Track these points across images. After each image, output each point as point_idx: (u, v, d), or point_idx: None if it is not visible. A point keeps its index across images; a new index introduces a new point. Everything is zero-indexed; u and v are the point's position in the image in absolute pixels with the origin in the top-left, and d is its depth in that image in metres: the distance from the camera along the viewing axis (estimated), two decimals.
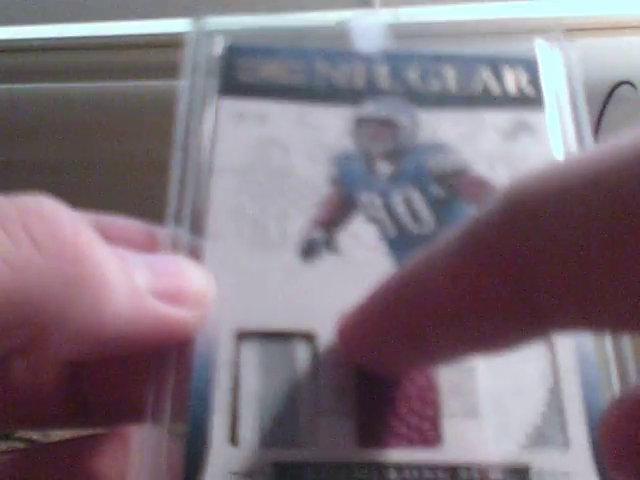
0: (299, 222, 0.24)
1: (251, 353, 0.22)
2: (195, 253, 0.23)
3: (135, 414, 0.22)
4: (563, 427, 0.21)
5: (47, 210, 0.18)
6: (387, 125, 0.27)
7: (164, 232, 0.23)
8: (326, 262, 0.24)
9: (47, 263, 0.17)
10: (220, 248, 0.24)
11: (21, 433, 0.74)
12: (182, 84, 0.27)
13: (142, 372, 0.21)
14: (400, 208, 0.25)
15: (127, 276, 0.20)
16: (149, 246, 0.23)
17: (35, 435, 0.73)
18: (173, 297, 0.20)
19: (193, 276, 0.22)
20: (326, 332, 0.22)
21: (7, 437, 0.72)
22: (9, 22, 0.66)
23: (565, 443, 0.21)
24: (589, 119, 0.26)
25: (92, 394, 0.23)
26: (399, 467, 0.20)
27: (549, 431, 0.21)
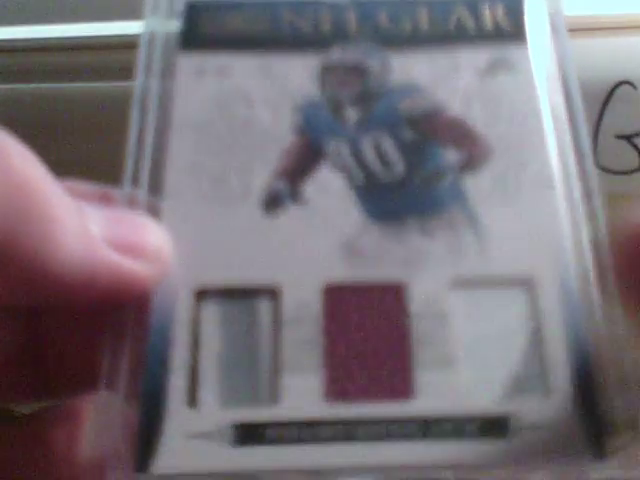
0: (262, 175, 0.23)
1: (211, 311, 0.21)
2: (153, 212, 0.22)
3: (95, 381, 0.21)
4: (544, 374, 0.19)
5: None
6: (355, 70, 0.25)
7: (121, 193, 0.22)
8: (290, 214, 0.22)
9: None
10: (178, 205, 0.22)
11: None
12: (141, 38, 0.26)
13: (101, 337, 0.20)
14: (369, 155, 0.23)
15: (80, 218, 0.18)
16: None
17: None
18: (129, 249, 0.19)
19: (151, 231, 0.20)
20: (291, 286, 0.21)
21: None
22: (9, 22, 0.66)
23: (546, 392, 0.19)
24: (588, 118, 0.24)
25: (51, 363, 0.22)
26: (368, 422, 0.19)
27: (530, 379, 0.19)
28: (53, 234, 0.17)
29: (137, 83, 0.25)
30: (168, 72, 0.25)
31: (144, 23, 0.25)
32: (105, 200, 0.22)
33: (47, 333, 0.22)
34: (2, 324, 0.22)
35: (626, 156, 0.36)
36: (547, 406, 0.19)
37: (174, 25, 0.26)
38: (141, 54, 0.25)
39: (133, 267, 0.19)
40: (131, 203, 0.22)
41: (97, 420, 0.19)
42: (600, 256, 0.21)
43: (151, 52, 0.25)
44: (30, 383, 0.22)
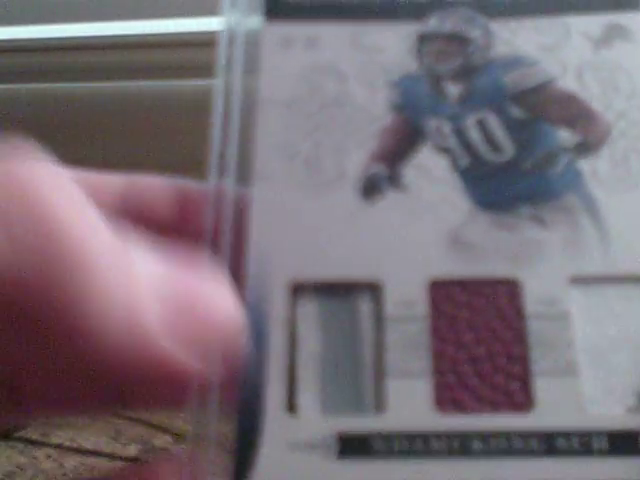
0: (358, 157, 0.21)
1: (309, 308, 0.19)
2: (242, 205, 0.20)
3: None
4: None
5: (16, 176, 0.14)
6: (455, 40, 0.23)
7: (202, 187, 0.21)
8: (390, 200, 0.20)
9: (11, 240, 0.13)
10: (270, 191, 0.21)
11: (21, 433, 0.74)
12: (223, 9, 0.24)
13: None
14: (473, 134, 0.21)
15: (126, 270, 0.15)
16: (181, 211, 0.20)
17: (35, 435, 0.74)
18: (188, 333, 0.15)
19: (221, 302, 0.16)
20: (393, 281, 0.19)
21: (7, 437, 0.73)
22: (9, 22, 0.65)
23: None
24: None
25: None
26: (484, 436, 0.17)
27: None
28: (91, 293, 0.14)
29: (219, 51, 0.23)
30: (252, 42, 0.23)
31: (223, 19, 0.23)
32: (181, 203, 0.20)
33: None
34: None
35: None
36: None
37: (253, 21, 0.24)
38: (223, 21, 0.23)
39: (188, 361, 0.15)
40: (217, 196, 0.20)
41: (191, 430, 0.18)
42: None
43: (233, 22, 0.23)
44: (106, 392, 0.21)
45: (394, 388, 0.18)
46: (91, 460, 0.72)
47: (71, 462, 0.73)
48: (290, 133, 0.22)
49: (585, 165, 0.21)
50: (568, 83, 0.22)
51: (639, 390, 0.18)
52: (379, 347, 0.19)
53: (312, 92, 0.22)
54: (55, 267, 0.14)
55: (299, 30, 0.23)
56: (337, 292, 0.19)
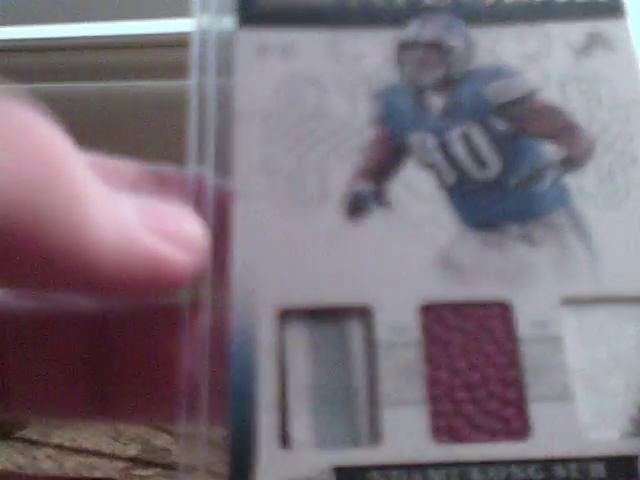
0: (341, 173, 0.21)
1: (298, 335, 0.19)
2: (223, 197, 0.20)
3: (163, 408, 0.19)
4: None
5: (16, 111, 0.16)
6: (436, 49, 0.22)
7: (179, 174, 0.20)
8: (377, 219, 0.20)
9: (12, 162, 0.15)
10: (252, 210, 0.20)
11: (21, 433, 0.73)
12: (194, 16, 0.23)
13: (174, 357, 0.18)
14: (458, 148, 0.21)
15: (113, 201, 0.17)
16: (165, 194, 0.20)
17: (35, 435, 0.72)
18: (164, 235, 0.18)
19: (186, 219, 0.19)
20: (384, 305, 0.19)
21: (7, 437, 0.72)
22: (9, 22, 0.64)
23: None
24: None
25: (116, 381, 0.20)
26: (483, 465, 0.17)
27: None
28: (86, 215, 0.16)
29: (192, 61, 0.22)
30: (225, 51, 0.22)
31: (195, 20, 0.22)
32: (161, 183, 0.20)
33: (113, 347, 0.20)
34: (66, 334, 0.20)
35: None
36: None
37: (227, 22, 0.23)
38: (195, 28, 0.22)
39: (169, 252, 0.18)
40: (199, 183, 0.20)
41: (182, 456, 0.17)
42: None
43: (205, 29, 0.22)
44: (91, 400, 0.21)
45: (389, 417, 0.18)
46: (91, 460, 0.71)
47: (71, 462, 0.72)
48: (270, 148, 0.21)
49: (571, 181, 0.20)
50: (551, 95, 0.22)
51: (633, 414, 0.18)
52: (372, 375, 0.18)
53: (290, 104, 0.22)
54: (56, 189, 0.15)
55: (275, 37, 0.22)
56: (326, 318, 0.19)
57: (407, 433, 0.17)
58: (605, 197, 0.20)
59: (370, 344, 0.18)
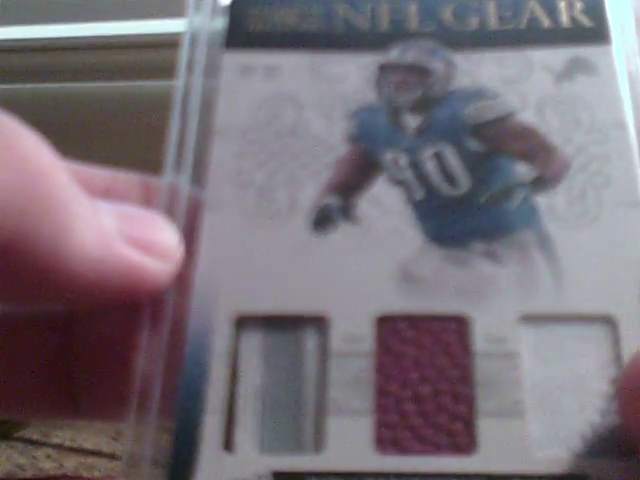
0: (311, 188, 0.21)
1: (252, 342, 0.19)
2: (194, 205, 0.20)
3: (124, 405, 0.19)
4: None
5: (5, 125, 0.16)
6: (415, 71, 0.23)
7: (160, 184, 0.21)
8: (342, 233, 0.20)
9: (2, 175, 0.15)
10: (220, 220, 0.20)
11: (21, 433, 0.73)
12: (184, 36, 0.24)
13: (133, 357, 0.19)
14: (430, 167, 0.21)
15: (94, 212, 0.18)
16: (143, 202, 0.21)
17: (35, 435, 0.73)
18: (141, 245, 0.18)
19: (163, 229, 0.19)
20: (340, 316, 0.19)
21: (6, 437, 0.72)
22: (9, 22, 0.66)
23: (628, 450, 0.17)
24: None
25: (81, 379, 0.20)
26: (425, 478, 0.17)
27: (611, 433, 0.17)
28: (69, 226, 0.16)
29: (179, 84, 0.23)
30: (212, 70, 0.23)
31: (187, 21, 0.23)
32: (144, 190, 0.21)
33: (78, 347, 0.21)
34: (33, 333, 0.21)
35: None
36: (631, 466, 0.16)
37: (220, 18, 0.24)
38: (184, 47, 0.23)
39: (146, 263, 0.18)
40: (172, 194, 0.20)
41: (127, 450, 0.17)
42: None
43: (193, 48, 0.23)
44: (62, 397, 0.21)
45: (334, 427, 0.17)
46: (91, 460, 0.71)
47: (71, 462, 0.72)
48: (244, 162, 0.21)
49: (542, 200, 0.20)
50: (528, 116, 0.22)
51: (585, 434, 0.17)
52: (322, 384, 0.18)
53: (269, 121, 0.22)
54: (42, 199, 0.16)
55: (259, 59, 0.23)
56: (282, 326, 0.19)
57: (351, 442, 0.17)
58: (575, 217, 0.20)
59: (323, 353, 0.18)
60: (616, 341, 0.18)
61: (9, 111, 0.17)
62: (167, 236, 0.19)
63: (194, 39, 0.23)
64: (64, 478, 0.22)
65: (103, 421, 0.20)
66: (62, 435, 0.74)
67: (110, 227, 0.18)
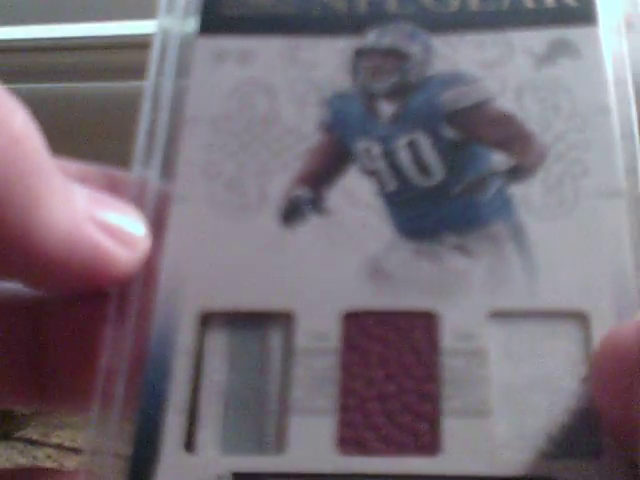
0: (282, 179, 0.20)
1: (217, 339, 0.19)
2: (163, 199, 0.20)
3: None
4: (596, 431, 0.16)
5: None
6: (392, 56, 0.22)
7: (130, 178, 0.20)
8: (311, 226, 0.20)
9: None
10: (187, 211, 0.20)
11: (21, 433, 0.74)
12: (157, 22, 0.23)
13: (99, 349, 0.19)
14: (403, 156, 0.21)
15: (68, 191, 0.17)
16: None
17: (35, 435, 0.73)
18: (111, 231, 0.18)
19: (132, 218, 0.19)
20: (306, 312, 0.18)
21: (6, 437, 0.73)
22: (9, 22, 0.65)
23: (597, 450, 0.16)
24: None
25: (50, 368, 0.20)
26: (386, 479, 0.16)
27: (578, 435, 0.17)
28: (41, 194, 0.16)
29: (149, 82, 0.22)
30: (183, 72, 0.22)
31: (158, 22, 0.23)
32: (110, 183, 0.21)
33: (46, 336, 0.21)
34: (1, 321, 0.21)
35: None
36: (597, 469, 0.16)
37: (190, 25, 0.23)
38: (156, 33, 0.23)
39: (112, 247, 0.18)
40: (141, 187, 0.20)
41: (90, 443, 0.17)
42: None
43: (166, 34, 0.23)
44: (29, 386, 0.21)
45: (297, 427, 0.17)
46: None
47: (71, 462, 0.73)
48: (214, 152, 0.21)
49: (517, 191, 0.20)
50: (506, 102, 0.21)
51: (553, 435, 0.17)
52: (286, 382, 0.18)
53: (241, 109, 0.22)
54: (18, 166, 0.16)
55: (233, 44, 0.23)
56: (248, 323, 0.19)
57: (313, 442, 0.17)
58: (550, 208, 0.19)
59: (288, 351, 0.18)
60: (588, 339, 0.17)
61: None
62: (135, 225, 0.19)
63: (165, 41, 0.23)
64: (34, 469, 0.22)
65: (70, 412, 0.20)
66: (62, 435, 0.75)
67: (81, 206, 0.18)
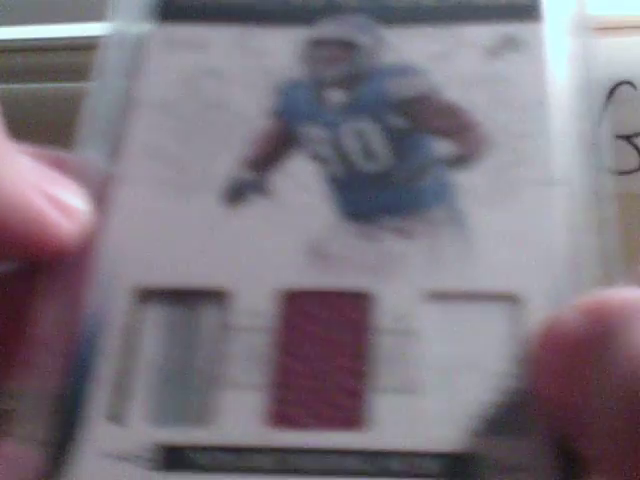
0: (227, 162, 0.21)
1: (152, 315, 0.19)
2: (106, 180, 0.20)
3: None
4: (523, 408, 0.16)
5: None
6: (343, 46, 0.22)
7: (75, 160, 0.20)
8: (253, 207, 0.20)
9: None
10: (131, 193, 0.20)
11: None
12: (110, 9, 0.23)
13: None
14: (349, 142, 0.21)
15: (14, 154, 0.18)
16: None
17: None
18: (53, 201, 0.19)
19: (75, 192, 0.20)
20: (242, 290, 0.18)
21: None
22: (9, 22, 0.66)
23: (524, 429, 0.16)
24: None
25: None
26: (312, 454, 0.16)
27: (506, 413, 0.17)
28: None
29: (103, 50, 0.22)
30: (137, 44, 0.23)
31: (112, 24, 0.23)
32: (57, 164, 0.21)
33: None
34: None
35: (626, 156, 0.35)
36: (523, 446, 0.16)
37: (145, 27, 0.23)
38: (110, 21, 0.23)
39: (53, 216, 0.19)
40: (85, 169, 0.20)
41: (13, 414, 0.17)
42: (608, 269, 0.18)
43: (119, 22, 0.23)
44: None
45: (227, 400, 0.17)
46: None
47: None
48: (161, 136, 0.21)
49: (458, 178, 0.20)
50: (452, 94, 0.21)
51: (481, 414, 0.17)
52: (219, 358, 0.18)
53: (191, 95, 0.22)
54: None
55: (188, 32, 0.23)
56: (184, 300, 0.19)
57: (242, 416, 0.17)
58: (489, 195, 0.19)
59: (223, 328, 0.18)
60: (520, 320, 0.17)
61: (9, 111, 0.17)
62: (77, 199, 0.20)
63: (119, 20, 0.23)
64: None
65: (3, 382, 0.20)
66: None
67: (28, 175, 0.18)
